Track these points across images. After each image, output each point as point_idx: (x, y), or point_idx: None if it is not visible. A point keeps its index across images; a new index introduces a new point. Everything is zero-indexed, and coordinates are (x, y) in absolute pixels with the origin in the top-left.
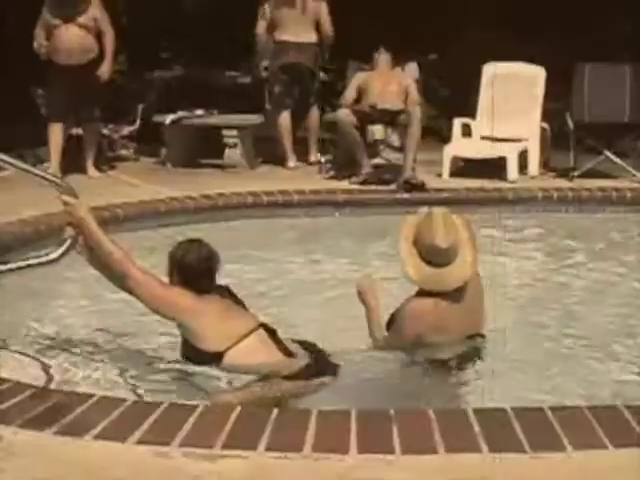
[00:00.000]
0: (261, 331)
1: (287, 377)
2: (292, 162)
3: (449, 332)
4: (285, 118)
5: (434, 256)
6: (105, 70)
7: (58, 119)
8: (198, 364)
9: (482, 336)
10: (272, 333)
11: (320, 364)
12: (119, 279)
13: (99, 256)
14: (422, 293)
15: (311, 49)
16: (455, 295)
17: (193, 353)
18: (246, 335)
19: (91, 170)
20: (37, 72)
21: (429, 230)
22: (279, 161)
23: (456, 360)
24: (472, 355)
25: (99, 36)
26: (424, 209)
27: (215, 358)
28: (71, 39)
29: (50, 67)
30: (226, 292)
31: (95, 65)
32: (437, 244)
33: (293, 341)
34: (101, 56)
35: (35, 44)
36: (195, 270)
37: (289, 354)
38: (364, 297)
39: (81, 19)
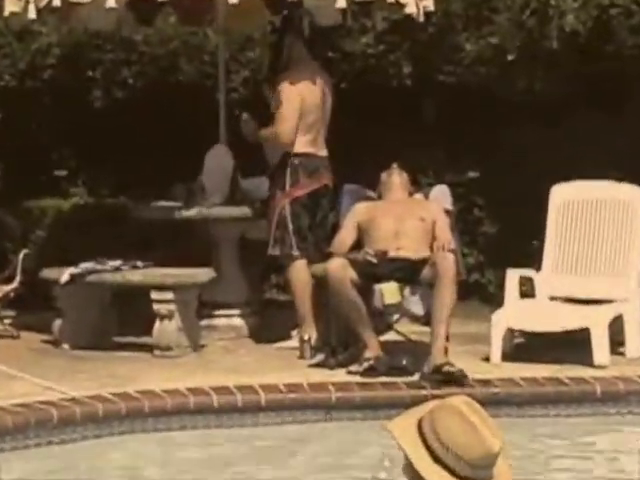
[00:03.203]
0: None
1: None
2: (312, 335)
3: None
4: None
5: (483, 468)
6: None
7: None
8: None
9: None
10: None
11: None
12: None
13: None
14: None
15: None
16: None
17: None
18: None
19: None
20: None
21: (469, 432)
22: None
23: None
24: None
25: None
26: (427, 405)
27: None
28: None
29: None
30: None
31: None
32: (493, 450)
33: None
34: None
35: None
36: None
37: None
38: None
39: None
